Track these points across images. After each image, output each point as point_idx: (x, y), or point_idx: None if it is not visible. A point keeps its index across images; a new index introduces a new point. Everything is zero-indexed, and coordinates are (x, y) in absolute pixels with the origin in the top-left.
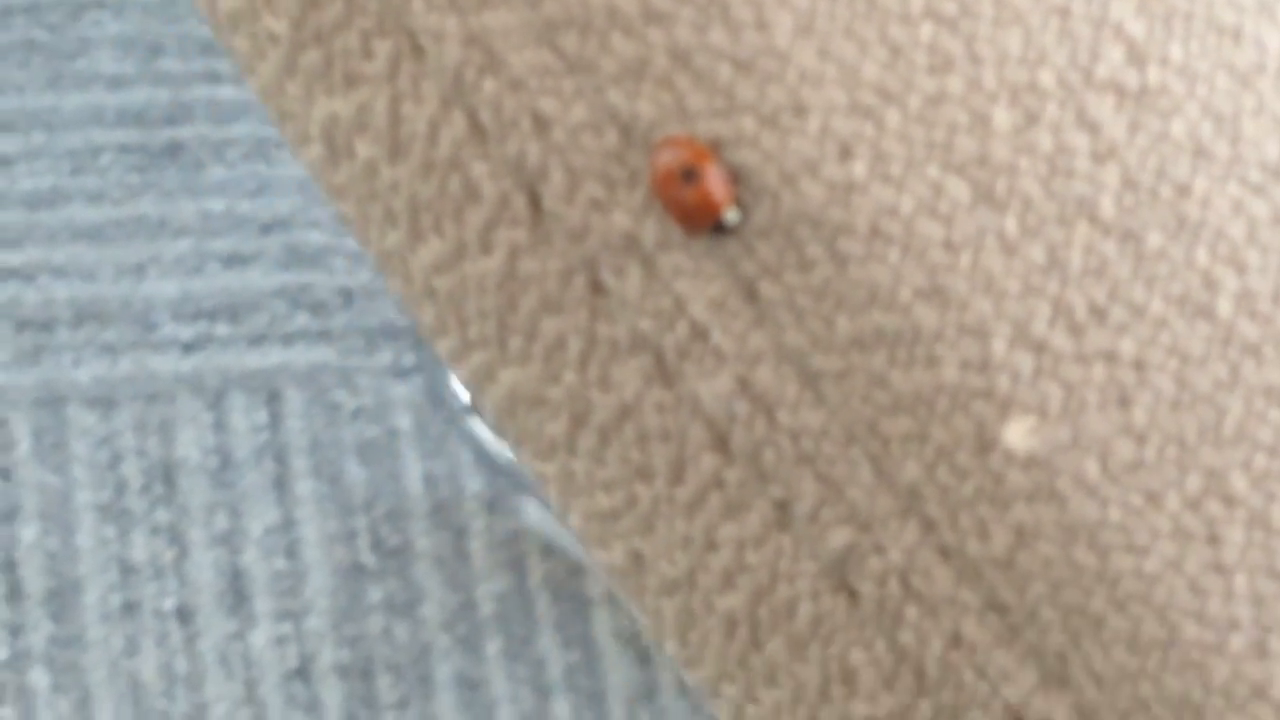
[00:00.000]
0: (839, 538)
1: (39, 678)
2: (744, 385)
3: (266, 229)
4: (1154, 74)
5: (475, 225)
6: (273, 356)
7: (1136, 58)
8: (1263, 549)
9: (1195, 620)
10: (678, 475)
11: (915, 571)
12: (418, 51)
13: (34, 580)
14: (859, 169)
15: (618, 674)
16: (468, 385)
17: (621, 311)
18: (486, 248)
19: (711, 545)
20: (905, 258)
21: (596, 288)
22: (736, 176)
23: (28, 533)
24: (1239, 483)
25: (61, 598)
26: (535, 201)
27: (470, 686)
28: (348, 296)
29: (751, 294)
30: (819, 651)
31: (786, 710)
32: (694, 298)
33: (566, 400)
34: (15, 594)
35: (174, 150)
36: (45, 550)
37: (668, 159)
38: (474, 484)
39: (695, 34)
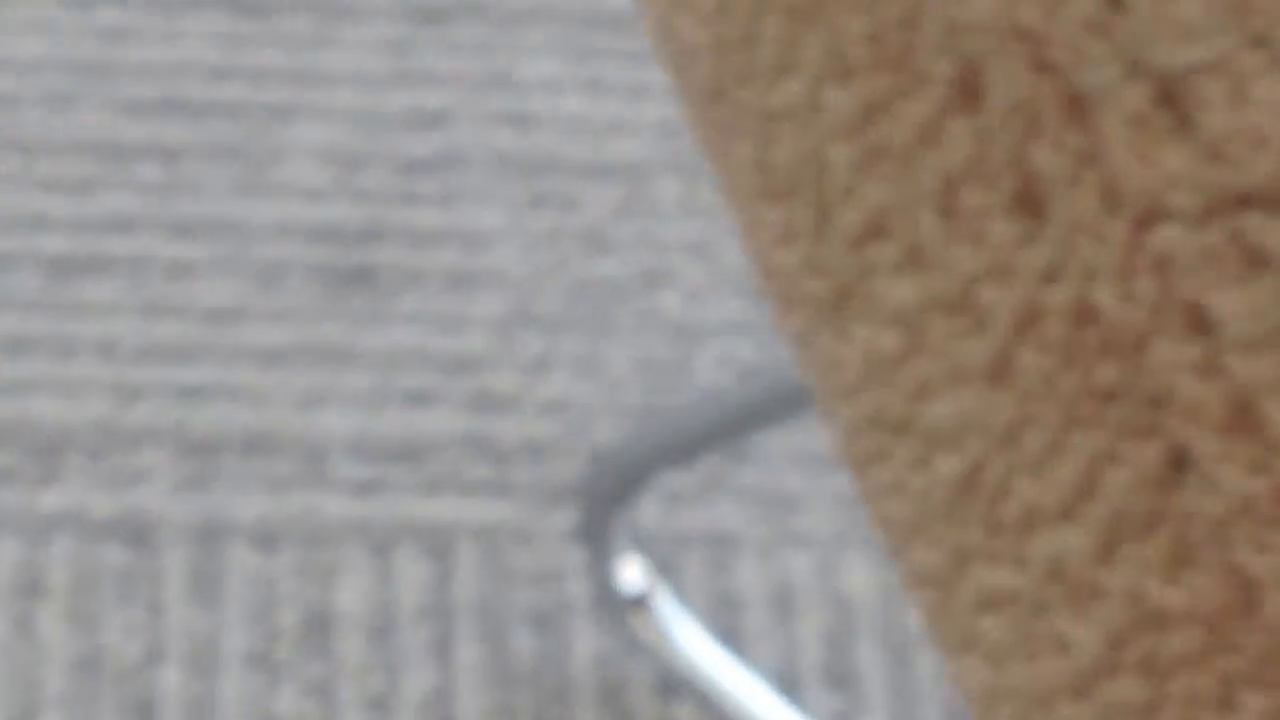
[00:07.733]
0: None
1: None
2: None
3: (455, 369)
4: None
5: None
6: (448, 508)
7: None
8: None
9: None
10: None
11: None
12: None
13: None
14: None
15: None
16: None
17: None
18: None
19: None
20: None
21: None
22: None
23: (170, 675)
24: None
25: None
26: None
27: None
28: (534, 450)
29: None
30: None
31: None
32: None
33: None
34: None
35: (365, 274)
36: (187, 695)
37: None
38: (646, 669)
39: None
